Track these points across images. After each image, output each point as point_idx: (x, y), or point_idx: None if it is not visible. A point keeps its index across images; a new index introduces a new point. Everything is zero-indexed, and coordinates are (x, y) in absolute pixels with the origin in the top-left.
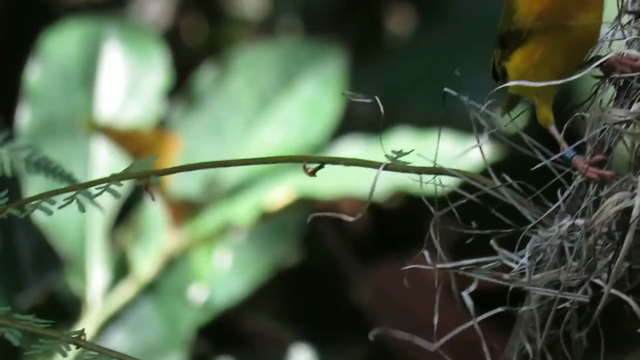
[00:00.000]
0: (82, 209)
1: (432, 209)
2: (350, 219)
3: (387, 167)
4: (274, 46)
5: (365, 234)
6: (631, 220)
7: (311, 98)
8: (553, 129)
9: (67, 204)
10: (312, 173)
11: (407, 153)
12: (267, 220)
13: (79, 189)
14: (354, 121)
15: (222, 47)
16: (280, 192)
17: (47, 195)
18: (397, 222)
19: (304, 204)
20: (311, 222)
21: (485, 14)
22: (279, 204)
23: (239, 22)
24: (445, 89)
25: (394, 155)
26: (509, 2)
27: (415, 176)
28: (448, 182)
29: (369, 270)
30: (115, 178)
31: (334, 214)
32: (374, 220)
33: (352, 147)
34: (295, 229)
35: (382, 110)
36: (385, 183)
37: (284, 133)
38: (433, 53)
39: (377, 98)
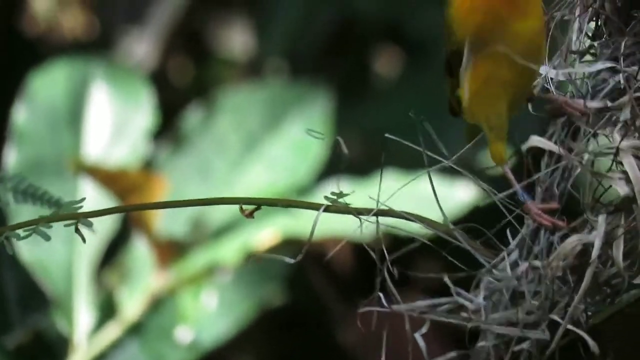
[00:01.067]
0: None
1: (372, 253)
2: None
3: (327, 209)
4: (261, 87)
5: (351, 275)
6: (591, 260)
7: (298, 139)
8: (506, 169)
9: None
10: (250, 215)
11: (348, 194)
12: (253, 260)
13: (5, 230)
14: (341, 162)
15: (209, 87)
16: (266, 233)
17: None
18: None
19: (290, 245)
20: (297, 263)
21: None
22: (265, 245)
23: (226, 63)
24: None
25: (334, 197)
26: (446, 25)
27: (404, 220)
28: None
29: (355, 311)
30: (44, 220)
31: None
32: (360, 260)
33: (340, 188)
34: (281, 270)
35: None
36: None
37: (270, 174)
38: (419, 95)
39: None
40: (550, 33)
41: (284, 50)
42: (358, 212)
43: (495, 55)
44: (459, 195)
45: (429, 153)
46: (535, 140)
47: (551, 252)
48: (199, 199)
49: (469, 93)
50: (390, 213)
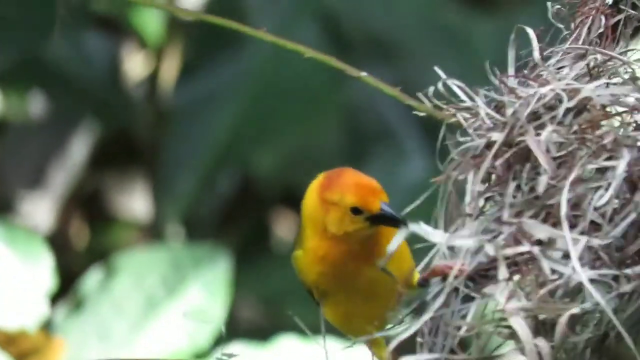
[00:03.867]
0: None
1: None
2: None
3: None
4: (161, 250)
5: None
6: None
7: (197, 302)
8: None
9: None
10: None
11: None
12: None
13: None
14: (240, 325)
15: (108, 251)
16: None
17: None
18: None
19: None
20: None
21: None
22: None
23: (125, 226)
24: None
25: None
26: (295, 264)
27: None
28: None
29: None
30: None
31: None
32: None
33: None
34: None
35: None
36: None
37: (170, 337)
38: None
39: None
40: (449, 195)
41: (182, 214)
42: None
43: (349, 297)
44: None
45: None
46: None
47: None
48: None
49: (335, 324)
50: None
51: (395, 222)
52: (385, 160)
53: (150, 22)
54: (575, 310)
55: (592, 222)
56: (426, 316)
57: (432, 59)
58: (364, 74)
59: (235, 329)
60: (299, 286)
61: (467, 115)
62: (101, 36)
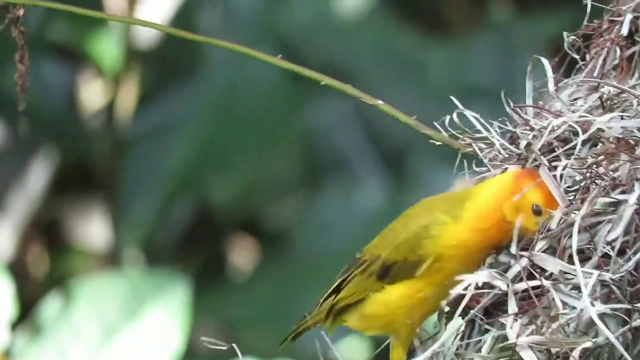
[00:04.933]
0: None
1: None
2: None
3: None
4: (119, 277)
5: None
6: None
7: (156, 328)
8: None
9: None
10: None
11: None
12: None
13: None
14: (198, 352)
15: (67, 277)
16: None
17: None
18: None
19: None
20: None
21: (325, 248)
22: None
23: (83, 253)
24: None
25: None
26: (421, 231)
27: None
28: None
29: None
30: None
31: None
32: None
33: None
34: None
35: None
36: None
37: None
38: (274, 286)
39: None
40: None
41: (141, 240)
42: None
43: (439, 282)
44: None
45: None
46: None
47: None
48: None
49: (388, 308)
50: None
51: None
52: (340, 187)
53: (108, 50)
54: (587, 344)
55: (604, 255)
56: (436, 345)
57: (389, 86)
58: (380, 102)
59: (194, 354)
60: (256, 312)
61: (483, 146)
62: (58, 65)
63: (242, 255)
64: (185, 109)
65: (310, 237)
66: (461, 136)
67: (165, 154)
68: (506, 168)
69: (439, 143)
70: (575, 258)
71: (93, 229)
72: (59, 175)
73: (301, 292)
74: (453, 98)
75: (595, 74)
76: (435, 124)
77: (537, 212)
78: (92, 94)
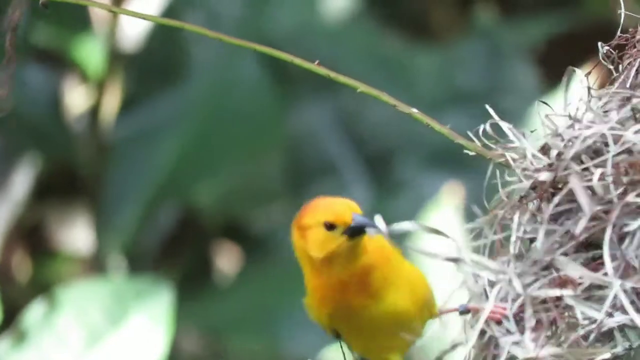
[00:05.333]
0: None
1: None
2: None
3: None
4: (103, 283)
5: None
6: None
7: (140, 334)
8: None
9: None
10: None
11: None
12: None
13: None
14: (182, 357)
15: (51, 283)
16: None
17: None
18: None
19: None
20: None
21: None
22: None
23: (67, 259)
24: None
25: None
26: (307, 309)
27: None
28: None
29: None
30: None
31: None
32: None
33: None
34: None
35: None
36: None
37: None
38: (258, 291)
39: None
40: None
41: (124, 246)
42: None
43: (351, 334)
44: None
45: None
46: None
47: None
48: None
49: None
50: None
51: (370, 227)
52: (325, 191)
53: (92, 55)
54: (606, 355)
55: (629, 265)
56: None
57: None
58: (414, 110)
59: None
60: (240, 318)
61: (515, 156)
62: (42, 70)
63: (226, 260)
64: (169, 114)
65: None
66: (494, 147)
67: (149, 158)
68: (537, 177)
69: (472, 153)
70: (608, 266)
71: (77, 234)
72: (43, 180)
73: (285, 297)
74: (488, 107)
75: (627, 85)
76: (469, 133)
77: (331, 226)
78: (76, 99)
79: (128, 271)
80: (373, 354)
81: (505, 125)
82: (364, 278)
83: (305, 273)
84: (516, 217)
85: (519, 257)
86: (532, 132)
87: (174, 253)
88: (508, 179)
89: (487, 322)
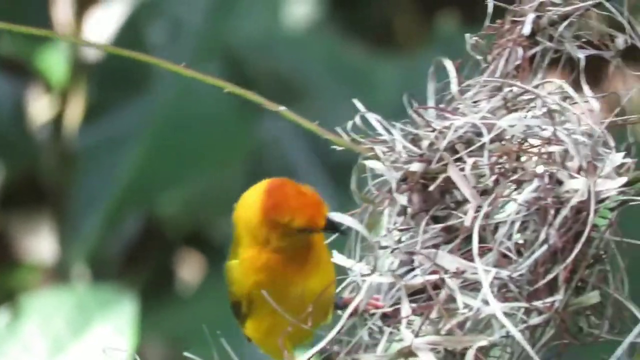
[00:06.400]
0: None
1: None
2: None
3: None
4: (67, 292)
5: None
6: None
7: (103, 343)
8: None
9: None
10: None
11: None
12: None
13: None
14: None
15: (15, 292)
16: None
17: None
18: None
19: None
20: None
21: None
22: None
23: (31, 268)
24: None
25: None
26: (228, 274)
27: None
28: None
29: None
30: None
31: None
32: None
33: None
34: None
35: None
36: None
37: None
38: (222, 299)
39: None
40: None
41: (88, 255)
42: None
43: (276, 312)
44: None
45: None
46: None
47: None
48: None
49: (255, 340)
50: None
51: (339, 232)
52: None
53: (55, 65)
54: (483, 342)
55: (505, 255)
56: (325, 343)
57: (336, 99)
58: (282, 108)
59: None
60: (201, 328)
61: (385, 149)
62: (6, 79)
63: (190, 269)
64: (132, 123)
65: None
66: (363, 140)
67: (113, 167)
68: (407, 168)
69: (341, 148)
70: (476, 256)
71: (41, 244)
72: (7, 190)
73: None
74: (356, 101)
75: (497, 75)
76: (338, 129)
77: (305, 230)
78: (39, 108)
79: (92, 280)
80: (271, 338)
81: (373, 118)
82: (305, 255)
83: (241, 240)
84: (386, 210)
85: (392, 248)
86: (403, 123)
87: (138, 262)
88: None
89: (362, 313)
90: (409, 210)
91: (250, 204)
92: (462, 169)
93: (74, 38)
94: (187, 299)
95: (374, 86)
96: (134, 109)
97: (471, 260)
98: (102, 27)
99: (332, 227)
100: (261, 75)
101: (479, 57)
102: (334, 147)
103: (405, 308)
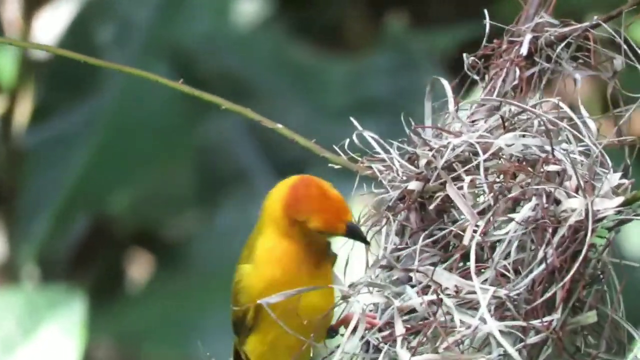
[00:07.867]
0: None
1: None
2: None
3: None
4: (16, 292)
5: None
6: None
7: (52, 343)
8: None
9: None
10: None
11: None
12: None
13: None
14: None
15: None
16: None
17: None
18: None
19: None
20: None
21: (222, 260)
22: None
23: None
24: None
25: None
26: (237, 280)
27: None
28: None
29: None
30: None
31: None
32: None
33: None
34: None
35: None
36: None
37: None
38: (171, 298)
39: None
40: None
41: (38, 256)
42: None
43: (285, 316)
44: None
45: None
46: None
47: None
48: None
49: (256, 355)
50: None
51: (360, 240)
52: (237, 199)
53: (3, 64)
54: None
55: (502, 274)
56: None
57: (284, 98)
58: (279, 125)
59: None
60: (152, 326)
61: (382, 168)
62: None
63: (139, 268)
64: (81, 122)
65: (208, 249)
66: (360, 159)
67: (62, 167)
68: (405, 187)
69: (338, 166)
70: (474, 274)
71: None
72: None
73: (198, 304)
74: (353, 119)
75: (494, 95)
76: (335, 147)
77: (323, 232)
78: None
79: (41, 280)
80: (276, 350)
81: (370, 136)
82: (320, 258)
83: (263, 230)
84: (384, 228)
85: (389, 267)
86: (400, 142)
87: (87, 261)
88: (375, 190)
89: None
90: (407, 228)
91: (276, 196)
92: (460, 187)
93: (19, 42)
94: (136, 298)
95: (322, 85)
96: (82, 108)
97: (469, 278)
98: (51, 27)
99: (353, 234)
100: (210, 73)
101: (476, 77)
102: (284, 148)
103: (399, 328)
